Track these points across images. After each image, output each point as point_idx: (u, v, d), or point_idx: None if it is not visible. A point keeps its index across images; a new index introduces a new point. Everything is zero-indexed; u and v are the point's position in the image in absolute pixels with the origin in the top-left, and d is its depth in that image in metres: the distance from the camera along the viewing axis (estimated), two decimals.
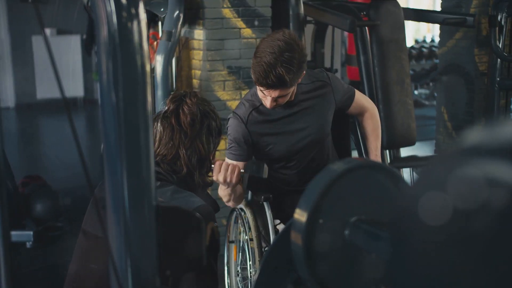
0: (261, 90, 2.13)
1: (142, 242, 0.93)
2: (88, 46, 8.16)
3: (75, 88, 8.76)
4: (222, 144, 2.23)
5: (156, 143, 1.65)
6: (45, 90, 8.70)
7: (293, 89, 2.17)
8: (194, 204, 1.52)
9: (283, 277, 1.14)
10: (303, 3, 3.75)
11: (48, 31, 8.85)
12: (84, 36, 8.28)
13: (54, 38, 8.80)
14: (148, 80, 0.91)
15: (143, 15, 0.91)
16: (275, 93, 2.11)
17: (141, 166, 0.93)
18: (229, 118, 2.30)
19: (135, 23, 0.90)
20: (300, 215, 0.99)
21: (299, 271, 1.00)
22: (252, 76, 2.11)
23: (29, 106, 8.66)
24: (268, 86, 2.07)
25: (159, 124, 1.66)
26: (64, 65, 8.58)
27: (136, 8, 0.90)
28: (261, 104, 2.26)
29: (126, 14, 0.89)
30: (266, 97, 2.14)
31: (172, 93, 3.49)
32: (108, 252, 0.90)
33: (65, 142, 6.94)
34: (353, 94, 2.38)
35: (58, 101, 8.67)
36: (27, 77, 8.62)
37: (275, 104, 2.16)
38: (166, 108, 1.70)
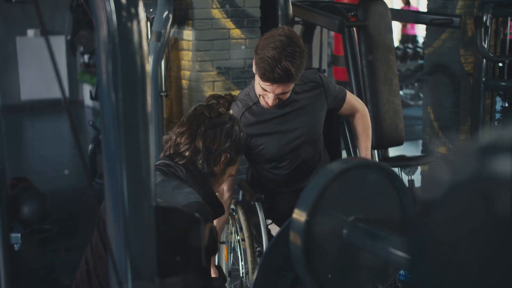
0: (263, 89, 2.13)
1: (141, 242, 0.93)
2: (72, 46, 8.11)
3: (59, 89, 8.67)
4: None
5: (178, 125, 1.78)
6: (29, 91, 8.62)
7: (292, 86, 2.18)
8: (190, 199, 1.53)
9: (281, 277, 1.14)
10: (292, 3, 3.76)
11: (32, 32, 8.77)
12: (69, 37, 8.22)
13: (38, 39, 8.72)
14: (148, 80, 0.91)
15: (142, 15, 0.91)
16: (279, 89, 2.11)
17: (140, 166, 0.93)
18: None
19: (134, 23, 0.90)
20: (299, 215, 0.99)
21: (297, 271, 1.01)
22: (257, 73, 2.11)
23: (13, 107, 8.57)
24: (275, 80, 2.08)
25: (191, 110, 1.82)
26: (48, 66, 8.48)
27: (136, 7, 0.90)
28: (254, 103, 2.26)
29: (126, 13, 0.89)
30: (268, 95, 2.14)
31: (161, 93, 3.49)
32: (108, 252, 0.90)
33: (50, 143, 6.88)
34: (345, 95, 2.39)
35: (42, 102, 8.59)
36: (11, 78, 8.53)
37: (277, 101, 2.16)
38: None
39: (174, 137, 1.75)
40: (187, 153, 1.72)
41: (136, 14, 0.89)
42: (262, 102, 2.21)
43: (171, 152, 1.75)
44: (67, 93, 8.82)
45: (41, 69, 8.50)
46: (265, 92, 2.14)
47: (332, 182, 0.99)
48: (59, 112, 8.71)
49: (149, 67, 0.92)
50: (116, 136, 0.91)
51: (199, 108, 1.81)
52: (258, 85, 2.14)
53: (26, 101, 8.59)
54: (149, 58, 3.39)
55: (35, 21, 8.46)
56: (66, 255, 3.60)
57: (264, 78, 2.08)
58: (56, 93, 8.72)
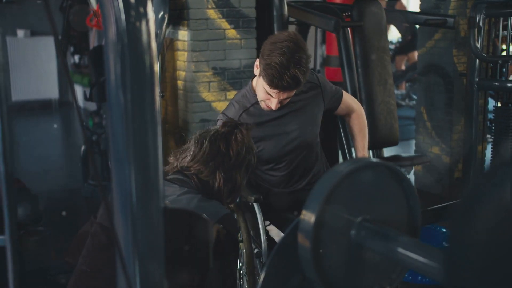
0: (268, 93, 2.11)
1: (150, 244, 0.92)
2: (63, 47, 8.06)
3: (50, 90, 8.63)
4: None
5: (195, 158, 1.73)
6: (20, 92, 8.56)
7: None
8: (223, 213, 1.58)
9: (288, 278, 1.14)
10: (287, 4, 3.75)
11: (22, 32, 8.70)
12: (59, 37, 8.17)
13: (28, 39, 8.66)
14: (157, 80, 0.90)
15: (151, 14, 0.90)
16: (284, 95, 2.10)
17: (149, 167, 0.92)
18: (218, 119, 2.28)
19: (143, 22, 0.89)
20: (307, 216, 0.99)
21: (305, 272, 1.00)
22: (265, 80, 2.07)
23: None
24: (284, 88, 2.06)
25: (206, 142, 1.74)
26: (38, 67, 8.45)
27: (145, 7, 0.89)
28: (252, 105, 2.25)
29: (135, 13, 0.88)
30: (272, 100, 2.12)
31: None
32: (116, 254, 0.89)
33: (42, 144, 6.82)
34: (341, 95, 2.39)
35: (33, 104, 8.53)
36: (2, 79, 8.45)
37: (279, 106, 2.15)
38: (217, 129, 1.80)
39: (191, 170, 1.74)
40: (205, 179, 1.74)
41: (145, 14, 0.89)
42: (263, 105, 2.19)
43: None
44: (57, 94, 8.77)
45: (32, 69, 8.44)
46: (268, 97, 2.12)
47: (340, 183, 0.99)
48: (50, 113, 8.65)
49: (157, 67, 0.91)
50: (124, 137, 0.91)
51: (214, 140, 1.76)
52: (263, 90, 2.12)
53: (17, 102, 8.52)
54: None
55: (25, 21, 8.40)
56: (60, 256, 3.57)
57: (273, 85, 2.06)
58: (46, 94, 8.68)
